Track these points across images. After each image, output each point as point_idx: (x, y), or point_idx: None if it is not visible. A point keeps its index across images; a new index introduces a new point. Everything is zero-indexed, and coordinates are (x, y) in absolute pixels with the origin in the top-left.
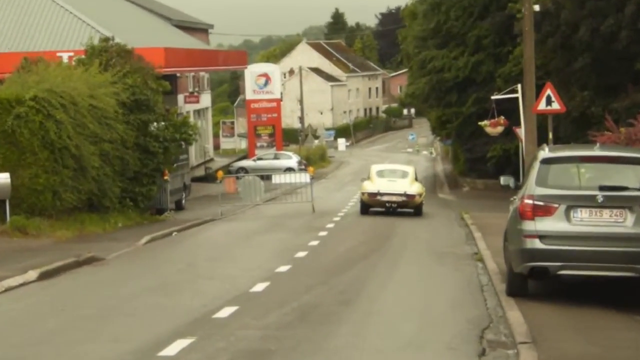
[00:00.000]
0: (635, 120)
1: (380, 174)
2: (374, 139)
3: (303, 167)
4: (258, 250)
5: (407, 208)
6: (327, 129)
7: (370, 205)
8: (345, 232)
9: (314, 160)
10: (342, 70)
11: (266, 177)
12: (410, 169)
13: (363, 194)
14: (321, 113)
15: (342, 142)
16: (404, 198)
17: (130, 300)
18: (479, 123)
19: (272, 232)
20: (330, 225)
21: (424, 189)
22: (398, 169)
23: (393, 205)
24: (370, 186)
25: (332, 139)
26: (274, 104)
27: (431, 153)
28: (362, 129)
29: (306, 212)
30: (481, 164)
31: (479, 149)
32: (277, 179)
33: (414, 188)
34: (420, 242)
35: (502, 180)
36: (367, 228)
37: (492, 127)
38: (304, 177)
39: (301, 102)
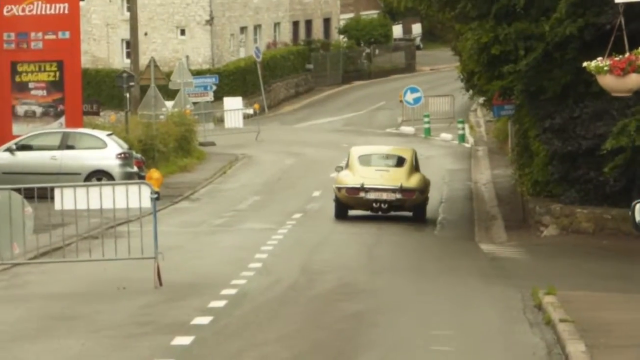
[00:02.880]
0: None
1: (365, 160)
2: (316, 99)
3: (134, 170)
4: None
5: (403, 210)
6: (198, 75)
7: (350, 206)
8: (240, 340)
9: (165, 153)
10: None
11: (40, 195)
12: (407, 153)
13: (339, 189)
14: (182, 32)
15: (234, 107)
16: (398, 195)
17: None
18: (585, 64)
19: (54, 336)
20: (202, 321)
21: (429, 182)
22: (390, 153)
23: (383, 205)
24: (349, 178)
25: (209, 98)
26: (62, 7)
27: (463, 139)
28: (287, 75)
29: (141, 284)
30: (588, 165)
31: (583, 129)
32: (66, 199)
33: (414, 180)
34: None
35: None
36: (298, 323)
37: (617, 73)
38: (135, 197)
39: (131, 4)
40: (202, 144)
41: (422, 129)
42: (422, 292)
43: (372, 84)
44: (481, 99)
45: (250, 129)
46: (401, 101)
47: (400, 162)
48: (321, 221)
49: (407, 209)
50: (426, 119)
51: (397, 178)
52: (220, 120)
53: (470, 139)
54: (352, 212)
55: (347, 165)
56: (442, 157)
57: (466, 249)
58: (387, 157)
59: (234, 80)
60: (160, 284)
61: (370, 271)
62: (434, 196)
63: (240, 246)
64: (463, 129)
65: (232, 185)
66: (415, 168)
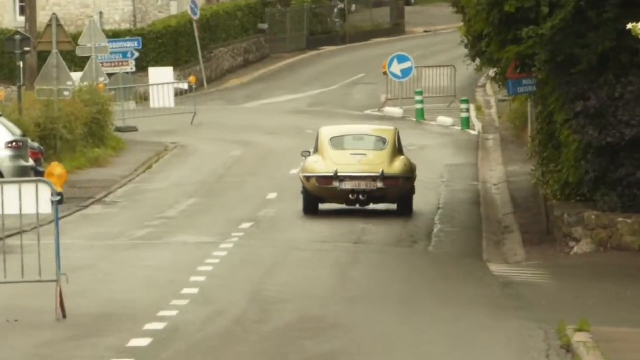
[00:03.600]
0: None
1: (338, 142)
2: (272, 69)
3: (30, 164)
4: None
5: (385, 202)
6: (115, 38)
7: (321, 199)
8: None
9: (71, 142)
10: None
11: None
12: (389, 134)
13: (308, 179)
14: None
15: (163, 81)
16: (379, 184)
17: None
18: (630, 27)
19: None
20: None
21: (415, 167)
22: (368, 133)
23: (361, 197)
24: (320, 165)
25: (129, 68)
26: None
27: (467, 124)
28: (233, 38)
29: (39, 316)
30: (633, 162)
31: (627, 113)
32: None
33: (398, 166)
34: None
35: None
36: None
37: None
38: (32, 199)
39: None
40: (120, 130)
41: (414, 110)
42: (414, 329)
43: (347, 51)
44: (492, 72)
45: (185, 110)
46: (385, 73)
47: (380, 143)
48: (278, 233)
49: (391, 201)
50: (419, 98)
51: (378, 163)
52: (145, 98)
53: (477, 125)
54: (324, 206)
55: (316, 149)
56: (439, 148)
57: (471, 270)
58: (365, 138)
59: (163, 44)
60: (64, 315)
61: (344, 300)
62: (429, 201)
63: (171, 266)
64: (467, 110)
65: (159, 184)
66: (398, 151)
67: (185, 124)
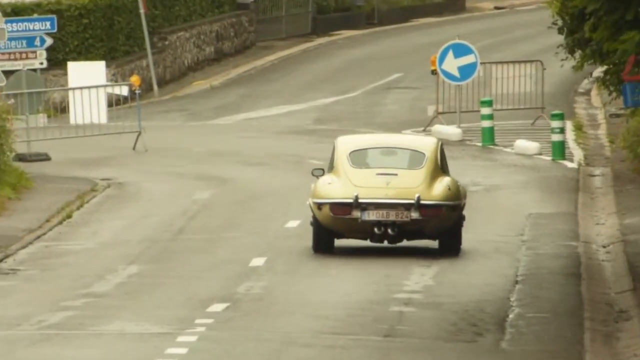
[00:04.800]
0: None
1: (360, 158)
2: (259, 66)
3: None
4: None
5: (422, 237)
6: (17, 18)
7: (337, 233)
8: None
9: None
10: None
11: None
12: (428, 147)
13: (319, 206)
14: None
15: (91, 83)
16: (414, 214)
17: None
18: None
19: None
20: None
21: (464, 192)
22: (400, 146)
23: (390, 231)
24: (335, 188)
25: (38, 63)
26: None
27: (561, 152)
28: (199, 18)
29: None
30: None
31: None
32: None
33: (440, 190)
34: None
35: None
36: None
37: None
38: None
39: None
40: (23, 159)
41: (479, 130)
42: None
43: (376, 37)
44: (599, 71)
45: (123, 128)
46: (435, 72)
47: (416, 160)
48: (268, 319)
49: (429, 236)
50: (486, 111)
51: (413, 187)
52: (62, 110)
53: (577, 153)
54: (340, 242)
55: (331, 167)
56: (518, 189)
57: None
58: (396, 152)
59: (90, 26)
60: None
61: None
62: (502, 271)
63: None
64: (562, 131)
65: (84, 243)
66: (441, 169)
67: (124, 150)
